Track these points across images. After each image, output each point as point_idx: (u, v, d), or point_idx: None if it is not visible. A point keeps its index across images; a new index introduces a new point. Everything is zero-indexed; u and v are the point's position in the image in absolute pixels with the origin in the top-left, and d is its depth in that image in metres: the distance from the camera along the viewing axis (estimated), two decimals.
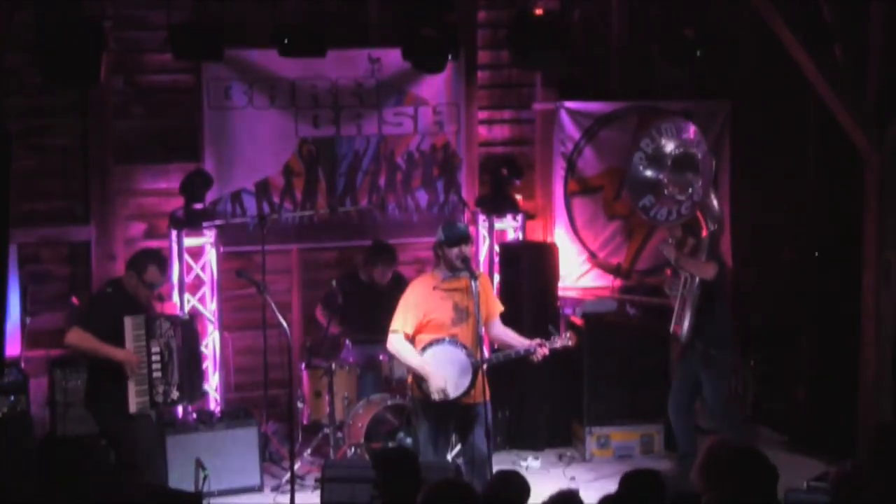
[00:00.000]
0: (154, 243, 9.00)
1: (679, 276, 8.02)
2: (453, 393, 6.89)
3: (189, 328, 7.43)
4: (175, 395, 7.16)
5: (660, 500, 4.75)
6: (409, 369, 7.01)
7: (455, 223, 7.50)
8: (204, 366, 8.37)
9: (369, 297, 8.79)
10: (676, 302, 8.01)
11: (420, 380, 6.93)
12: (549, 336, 7.11)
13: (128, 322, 6.99)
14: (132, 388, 6.96)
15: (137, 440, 7.03)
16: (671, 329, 8.08)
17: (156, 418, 7.67)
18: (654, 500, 4.74)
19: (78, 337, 7.01)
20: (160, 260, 7.31)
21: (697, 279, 7.87)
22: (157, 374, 7.05)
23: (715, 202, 8.08)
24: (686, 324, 7.93)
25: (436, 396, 6.88)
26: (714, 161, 8.00)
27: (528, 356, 7.08)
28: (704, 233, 7.98)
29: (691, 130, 8.01)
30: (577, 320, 9.10)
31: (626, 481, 4.89)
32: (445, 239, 6.96)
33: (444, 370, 6.88)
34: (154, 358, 7.05)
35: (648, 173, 7.93)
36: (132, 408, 6.97)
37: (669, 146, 7.88)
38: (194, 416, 8.41)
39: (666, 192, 7.89)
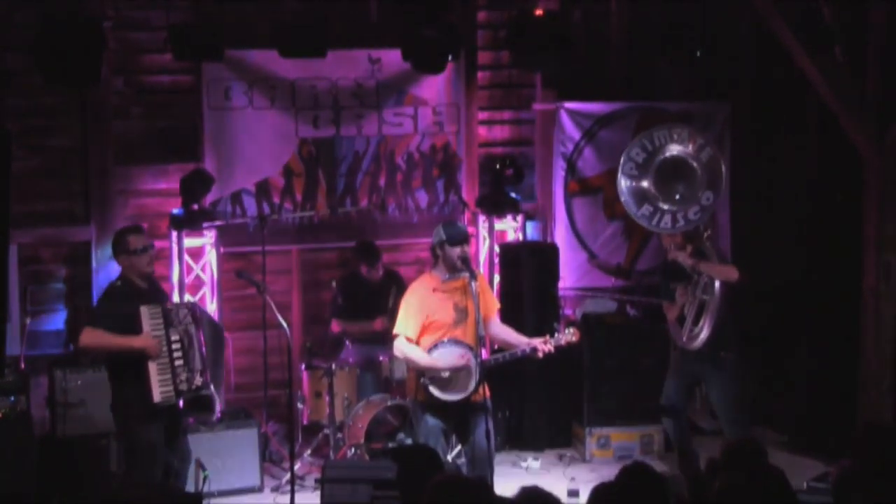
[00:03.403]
0: (154, 243, 9.00)
1: (696, 282, 7.67)
2: (471, 386, 6.87)
3: (207, 315, 7.34)
4: (199, 381, 6.95)
5: (658, 491, 4.74)
6: (420, 369, 6.93)
7: (455, 222, 7.52)
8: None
9: (365, 293, 8.83)
10: (690, 311, 7.65)
11: (427, 380, 6.88)
12: (553, 333, 7.10)
13: (144, 311, 6.86)
14: (154, 377, 6.77)
15: (136, 445, 6.89)
16: (683, 341, 7.69)
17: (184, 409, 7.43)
18: (653, 491, 4.74)
19: (89, 336, 6.84)
20: (133, 227, 7.30)
21: (717, 283, 7.57)
22: (178, 363, 6.87)
23: None
24: (705, 331, 7.58)
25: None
26: (723, 163, 7.67)
27: (533, 355, 7.07)
28: (706, 237, 7.76)
29: (686, 134, 7.81)
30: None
31: (625, 473, 4.88)
32: (448, 238, 6.95)
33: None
34: (175, 346, 6.87)
35: (635, 182, 7.73)
36: (156, 397, 6.77)
37: (674, 149, 7.70)
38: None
39: (659, 201, 7.69)
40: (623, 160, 7.76)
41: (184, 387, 6.91)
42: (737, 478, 4.69)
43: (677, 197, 7.69)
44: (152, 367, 6.79)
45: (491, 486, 5.18)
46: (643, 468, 4.88)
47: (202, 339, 7.04)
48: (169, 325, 6.91)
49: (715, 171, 7.67)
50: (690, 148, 7.73)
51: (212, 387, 7.07)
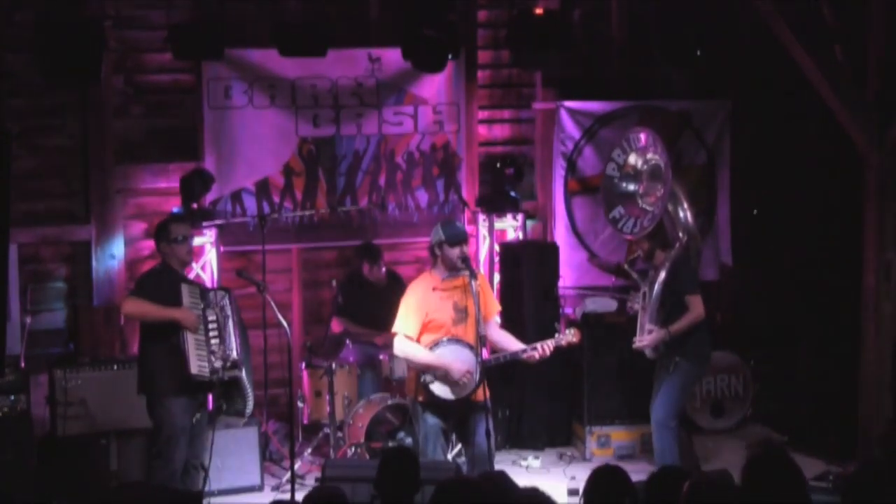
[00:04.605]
0: (154, 243, 9.02)
1: (639, 289, 7.80)
2: (472, 383, 6.88)
3: (238, 314, 7.44)
4: (234, 356, 7.07)
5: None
6: (422, 367, 6.93)
7: (454, 222, 7.51)
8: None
9: (367, 295, 8.82)
10: (641, 316, 7.75)
11: (428, 379, 6.88)
12: (553, 334, 7.11)
13: (185, 288, 7.06)
14: (192, 350, 6.93)
15: (163, 425, 6.99)
16: (634, 344, 7.79)
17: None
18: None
19: (132, 305, 7.09)
20: (175, 216, 7.65)
21: (657, 291, 7.63)
22: (214, 342, 7.04)
23: (682, 213, 7.87)
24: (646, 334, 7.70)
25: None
26: (671, 172, 7.78)
27: (532, 356, 7.06)
28: (677, 245, 7.78)
29: (643, 139, 7.96)
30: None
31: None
32: (447, 238, 6.95)
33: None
34: (211, 325, 7.06)
35: (625, 184, 7.94)
36: (193, 368, 6.91)
37: (632, 157, 7.92)
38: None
39: (640, 202, 7.84)
40: (608, 163, 8.11)
41: (218, 364, 7.04)
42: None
43: (660, 197, 7.77)
44: (191, 339, 6.96)
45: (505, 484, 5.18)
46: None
47: (236, 323, 7.20)
48: (207, 305, 7.10)
49: (668, 176, 7.79)
50: (643, 146, 7.92)
51: (244, 370, 7.16)
